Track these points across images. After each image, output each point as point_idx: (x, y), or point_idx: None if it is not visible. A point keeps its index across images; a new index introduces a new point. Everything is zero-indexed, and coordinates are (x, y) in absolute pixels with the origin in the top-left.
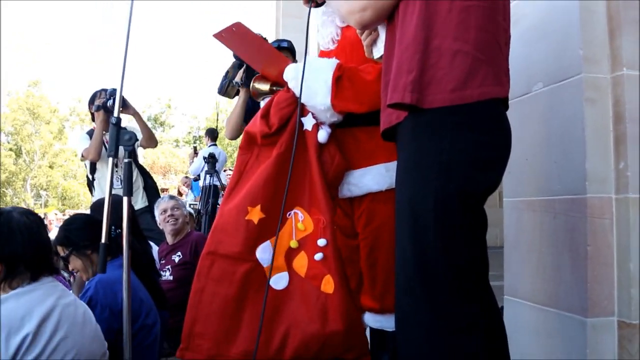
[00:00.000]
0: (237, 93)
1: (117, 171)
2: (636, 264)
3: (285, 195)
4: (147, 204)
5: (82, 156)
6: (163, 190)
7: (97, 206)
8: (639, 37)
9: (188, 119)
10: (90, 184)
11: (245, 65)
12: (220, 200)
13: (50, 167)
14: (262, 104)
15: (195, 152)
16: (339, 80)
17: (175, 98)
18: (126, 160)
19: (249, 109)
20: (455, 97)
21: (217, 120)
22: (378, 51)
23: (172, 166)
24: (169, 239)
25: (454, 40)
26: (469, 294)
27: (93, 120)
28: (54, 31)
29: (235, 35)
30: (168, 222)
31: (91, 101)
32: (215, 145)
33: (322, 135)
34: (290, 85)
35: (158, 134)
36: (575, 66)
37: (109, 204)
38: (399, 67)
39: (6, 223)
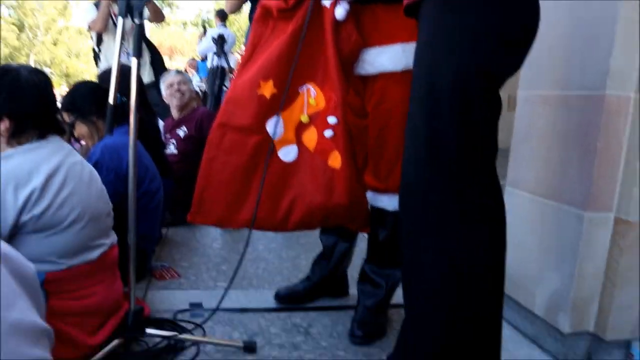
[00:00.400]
0: None
1: (124, 44)
2: None
3: (293, 67)
4: (153, 79)
5: (89, 27)
6: None
7: (104, 75)
8: None
9: (196, 1)
10: (97, 56)
11: None
12: (227, 83)
13: (54, 44)
14: None
15: (205, 32)
16: None
17: None
18: (137, 21)
19: None
20: None
21: (206, 12)
22: None
23: (179, 48)
24: (175, 113)
25: None
26: (478, 169)
27: None
28: None
29: None
30: (174, 96)
31: None
32: (225, 26)
33: (340, 12)
34: None
35: (165, 14)
36: None
37: (118, 65)
38: None
39: (15, 80)
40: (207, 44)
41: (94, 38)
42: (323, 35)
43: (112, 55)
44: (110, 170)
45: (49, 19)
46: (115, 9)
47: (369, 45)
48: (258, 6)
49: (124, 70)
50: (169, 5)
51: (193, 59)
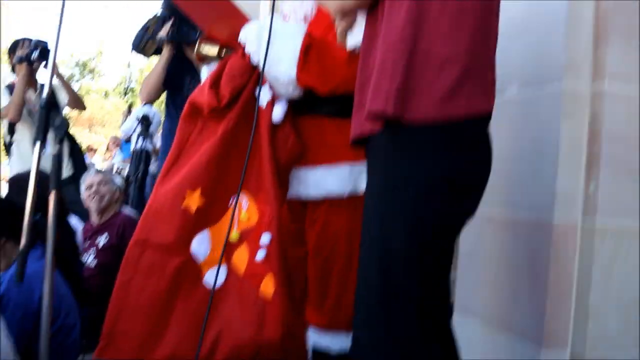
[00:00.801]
0: (156, 51)
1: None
2: (596, 296)
3: (241, 183)
4: (72, 172)
5: None
6: (90, 148)
7: (16, 182)
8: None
9: (120, 67)
10: (7, 147)
11: (173, 18)
12: (151, 167)
13: None
14: (205, 70)
15: (129, 111)
16: (308, 50)
17: (108, 43)
18: (55, 152)
19: (170, 70)
20: (439, 113)
21: (129, 80)
22: (354, 38)
23: (99, 119)
24: (95, 218)
25: (443, 46)
26: (433, 333)
27: (13, 71)
28: None
29: None
30: (93, 199)
31: (12, 50)
32: (151, 105)
33: (278, 113)
34: (248, 49)
35: (86, 82)
36: (555, 73)
37: (33, 200)
38: (382, 69)
39: None
40: (131, 124)
41: (5, 126)
42: (257, 139)
43: (27, 153)
44: (18, 307)
45: None
46: (32, 95)
47: (314, 162)
48: (187, 102)
49: (41, 180)
50: (91, 72)
51: (116, 137)
